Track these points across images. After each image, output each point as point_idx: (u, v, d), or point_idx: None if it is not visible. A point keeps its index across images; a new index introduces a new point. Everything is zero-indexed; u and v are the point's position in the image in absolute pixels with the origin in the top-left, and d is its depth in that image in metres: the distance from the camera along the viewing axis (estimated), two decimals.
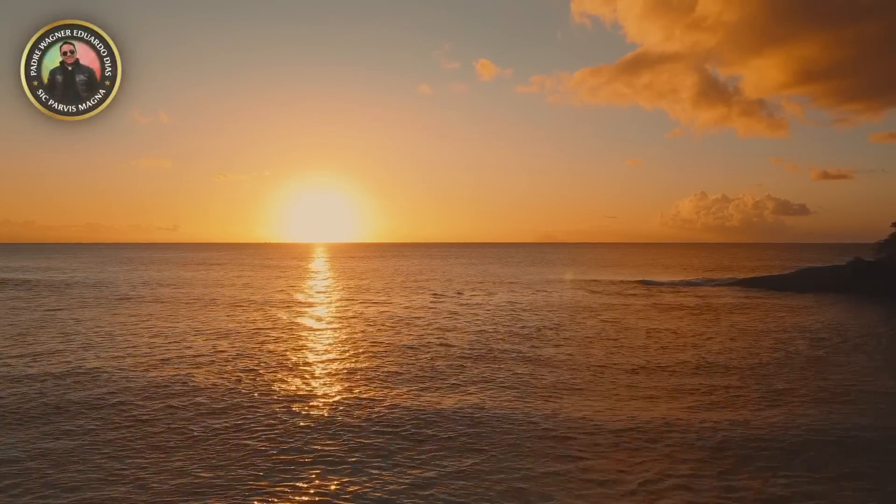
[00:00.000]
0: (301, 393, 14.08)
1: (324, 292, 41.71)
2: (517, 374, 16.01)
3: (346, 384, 14.92)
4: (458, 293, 39.44)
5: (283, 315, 28.92)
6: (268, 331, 23.70)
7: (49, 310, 29.97)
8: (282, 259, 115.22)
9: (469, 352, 19.06)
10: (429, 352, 19.12)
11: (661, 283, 47.56)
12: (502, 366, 16.98)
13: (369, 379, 15.47)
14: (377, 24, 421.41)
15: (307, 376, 15.85)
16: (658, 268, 72.82)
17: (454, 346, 20.12)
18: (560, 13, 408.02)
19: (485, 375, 15.80)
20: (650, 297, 37.31)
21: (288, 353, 19.10)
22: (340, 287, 46.78)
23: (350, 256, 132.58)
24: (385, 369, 16.57)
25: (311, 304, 33.70)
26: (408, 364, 17.22)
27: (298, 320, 27.19)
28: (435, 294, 39.16)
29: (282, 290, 42.96)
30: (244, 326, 24.91)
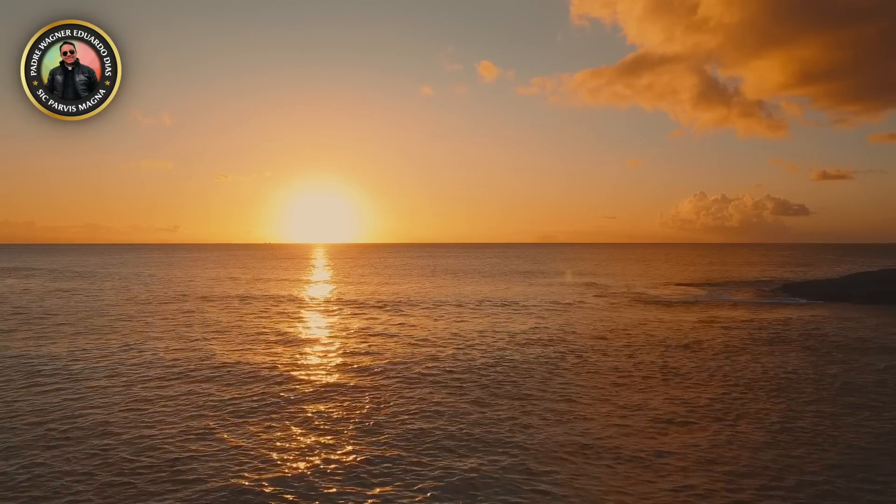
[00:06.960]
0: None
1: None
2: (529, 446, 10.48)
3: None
4: (439, 304, 36.98)
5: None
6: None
7: None
8: (246, 260, 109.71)
9: (461, 399, 13.63)
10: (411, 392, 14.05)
11: (686, 301, 36.05)
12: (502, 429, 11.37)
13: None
14: (379, 26, 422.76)
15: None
16: (671, 276, 63.61)
17: (440, 397, 13.74)
18: (560, 16, 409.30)
19: (475, 438, 10.85)
20: (688, 314, 29.38)
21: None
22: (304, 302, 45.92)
23: (343, 258, 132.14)
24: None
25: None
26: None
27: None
28: (417, 307, 35.85)
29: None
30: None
